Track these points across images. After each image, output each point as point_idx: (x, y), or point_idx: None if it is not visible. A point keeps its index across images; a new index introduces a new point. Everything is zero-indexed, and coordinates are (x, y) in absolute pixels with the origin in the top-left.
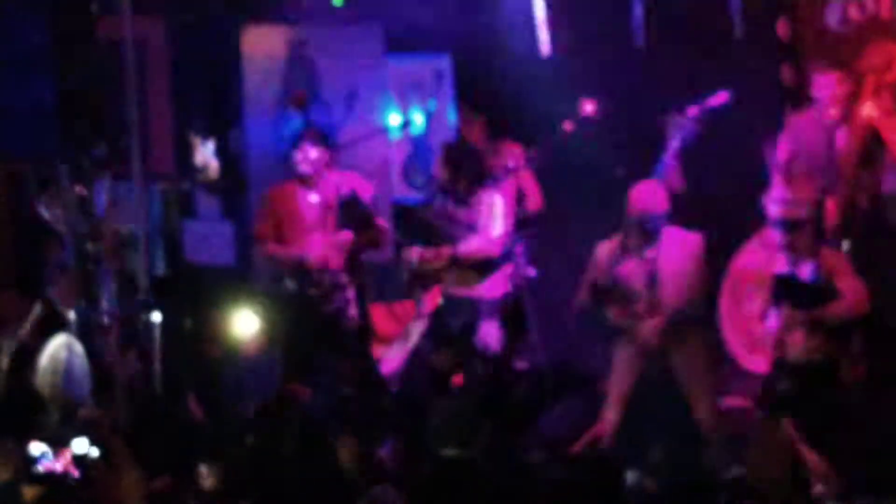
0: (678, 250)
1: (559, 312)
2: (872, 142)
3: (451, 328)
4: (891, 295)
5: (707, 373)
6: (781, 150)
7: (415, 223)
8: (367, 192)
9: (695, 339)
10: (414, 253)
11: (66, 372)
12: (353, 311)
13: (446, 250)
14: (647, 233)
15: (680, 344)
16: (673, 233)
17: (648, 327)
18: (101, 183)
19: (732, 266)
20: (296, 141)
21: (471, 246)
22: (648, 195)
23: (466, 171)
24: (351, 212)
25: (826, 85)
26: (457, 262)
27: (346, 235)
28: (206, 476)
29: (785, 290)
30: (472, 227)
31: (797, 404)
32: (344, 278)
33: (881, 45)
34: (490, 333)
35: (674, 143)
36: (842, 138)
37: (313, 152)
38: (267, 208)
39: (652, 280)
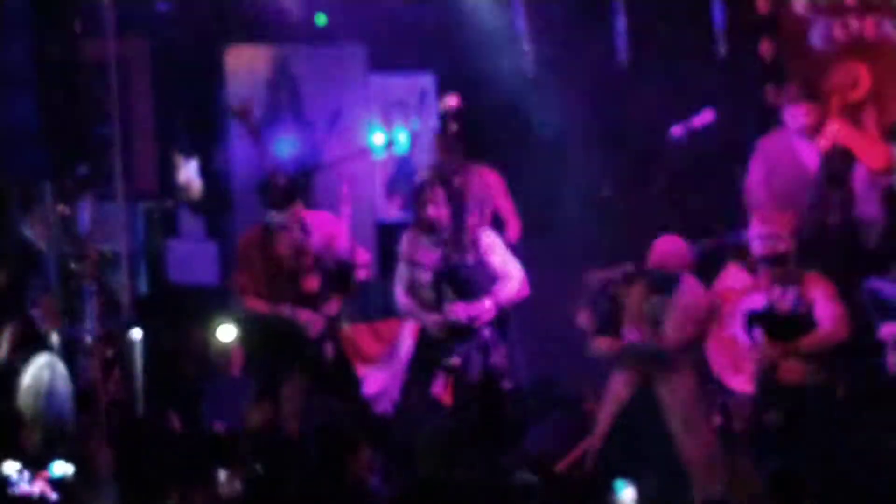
0: (689, 301)
1: (542, 331)
2: (841, 162)
3: (456, 355)
4: (864, 317)
5: (694, 407)
6: (754, 182)
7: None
8: (343, 237)
9: (682, 373)
10: (461, 313)
11: (48, 392)
12: (328, 347)
13: (489, 304)
14: (661, 286)
15: (667, 377)
16: (690, 284)
17: (608, 342)
18: (85, 202)
19: (715, 287)
20: (264, 188)
21: (510, 293)
22: (667, 251)
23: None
24: (332, 277)
25: (797, 115)
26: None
27: (333, 308)
28: (226, 483)
29: (759, 324)
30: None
31: (789, 431)
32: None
33: (846, 64)
34: (500, 355)
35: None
36: (811, 159)
37: (281, 215)
38: (242, 259)
39: (653, 322)
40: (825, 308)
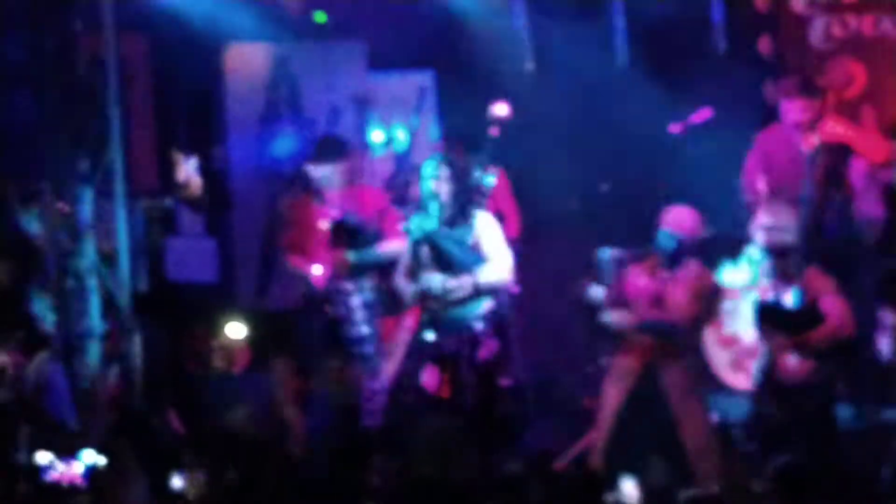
0: (694, 278)
1: (541, 329)
2: (836, 158)
3: (445, 346)
4: (862, 315)
5: (694, 394)
6: (751, 174)
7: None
8: (372, 205)
9: (682, 360)
10: (436, 281)
11: (47, 389)
12: (357, 316)
13: (467, 280)
14: (671, 256)
15: (668, 364)
16: (692, 265)
17: (622, 315)
18: (84, 199)
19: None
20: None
21: (492, 277)
22: (682, 216)
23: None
24: (342, 233)
25: (792, 110)
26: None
27: (339, 256)
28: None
29: (769, 317)
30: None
31: (790, 429)
32: (348, 287)
33: (841, 61)
34: (490, 350)
35: None
36: (808, 155)
37: (321, 169)
38: (288, 219)
39: (656, 301)
40: (830, 302)
